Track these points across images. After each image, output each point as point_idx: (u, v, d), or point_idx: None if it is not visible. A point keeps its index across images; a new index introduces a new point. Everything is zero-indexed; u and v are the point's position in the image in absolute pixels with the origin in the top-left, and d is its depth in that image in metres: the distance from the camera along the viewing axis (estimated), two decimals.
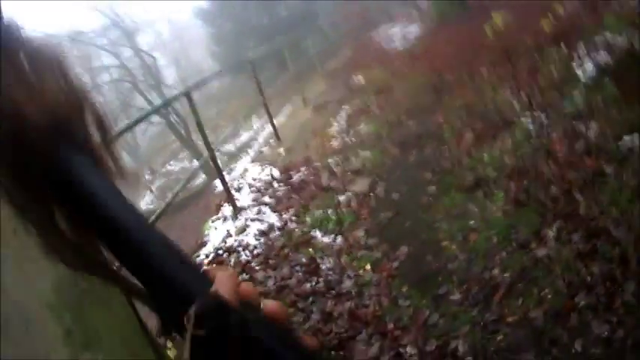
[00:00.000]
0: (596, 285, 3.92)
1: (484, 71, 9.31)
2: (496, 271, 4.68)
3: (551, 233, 4.65)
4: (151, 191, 32.99)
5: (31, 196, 0.73)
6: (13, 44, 0.75)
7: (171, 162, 36.43)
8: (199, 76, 43.49)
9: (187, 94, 8.23)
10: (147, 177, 35.40)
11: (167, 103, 8.64)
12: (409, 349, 4.32)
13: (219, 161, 26.26)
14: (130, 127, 5.99)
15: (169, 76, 41.65)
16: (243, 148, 26.12)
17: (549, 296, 4.11)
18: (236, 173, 10.90)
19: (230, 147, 31.09)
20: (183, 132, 31.12)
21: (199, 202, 23.05)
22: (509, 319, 4.12)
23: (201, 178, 28.38)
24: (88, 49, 33.54)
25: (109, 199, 0.73)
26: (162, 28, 44.79)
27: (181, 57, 50.60)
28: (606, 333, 3.56)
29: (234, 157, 26.20)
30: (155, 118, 31.74)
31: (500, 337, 4.02)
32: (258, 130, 20.79)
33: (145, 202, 30.76)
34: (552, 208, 4.97)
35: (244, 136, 29.83)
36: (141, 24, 35.63)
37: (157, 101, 26.19)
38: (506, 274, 4.57)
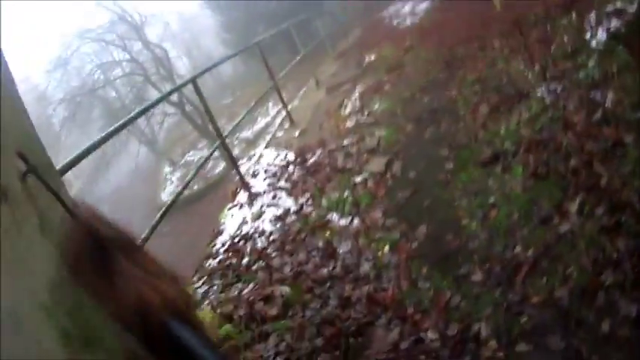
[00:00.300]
0: (622, 261, 3.74)
1: (496, 43, 9.17)
2: (518, 249, 4.50)
3: (573, 208, 4.47)
4: (171, 182, 33.09)
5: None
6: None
7: (191, 152, 36.52)
8: (211, 64, 43.97)
9: (193, 81, 8.06)
10: (167, 168, 35.52)
11: (172, 92, 8.48)
12: (430, 334, 4.16)
13: (237, 149, 26.34)
14: (133, 119, 5.82)
15: (182, 67, 41.78)
16: (260, 134, 26.12)
17: (574, 274, 3.93)
18: (254, 160, 10.76)
19: (248, 134, 31.15)
20: (200, 121, 31.14)
21: (219, 190, 23.05)
22: (534, 300, 3.95)
23: (221, 166, 28.41)
24: (99, 45, 33.64)
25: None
26: (171, 20, 44.69)
27: (192, 47, 50.75)
28: (634, 313, 3.40)
29: (252, 143, 26.23)
30: (170, 109, 31.82)
31: (524, 319, 3.85)
32: (275, 116, 20.67)
33: (167, 194, 30.86)
34: (573, 181, 4.79)
35: (261, 122, 29.85)
36: (148, 17, 35.53)
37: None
38: (529, 252, 4.39)
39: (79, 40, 32.56)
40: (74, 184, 51.58)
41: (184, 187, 6.64)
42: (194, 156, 34.81)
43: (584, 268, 3.91)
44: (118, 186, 43.75)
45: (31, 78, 40.80)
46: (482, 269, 4.53)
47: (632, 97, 5.30)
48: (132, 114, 5.51)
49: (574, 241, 4.18)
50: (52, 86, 34.24)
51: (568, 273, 3.97)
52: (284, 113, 12.75)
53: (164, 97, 7.28)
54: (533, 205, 4.87)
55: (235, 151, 28.85)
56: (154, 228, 5.25)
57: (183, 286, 2.11)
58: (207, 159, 8.16)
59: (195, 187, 29.41)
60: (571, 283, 3.88)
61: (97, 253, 1.85)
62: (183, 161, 35.86)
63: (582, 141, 5.20)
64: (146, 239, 5.00)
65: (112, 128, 4.95)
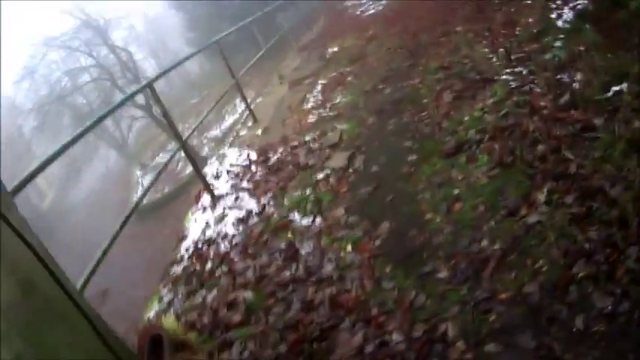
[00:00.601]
0: (595, 252, 3.59)
1: (459, 28, 9.07)
2: (485, 243, 4.33)
3: (541, 197, 4.33)
4: (143, 185, 32.84)
5: None
6: None
7: (161, 154, 36.41)
8: (180, 65, 43.87)
9: (150, 86, 7.82)
10: (138, 172, 35.34)
11: (125, 101, 8.22)
12: (395, 336, 3.98)
13: (206, 147, 26.12)
14: (87, 130, 5.58)
15: (149, 68, 41.57)
16: (229, 132, 25.92)
17: (544, 268, 3.76)
18: (218, 160, 10.57)
19: (216, 132, 30.99)
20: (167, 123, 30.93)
21: (191, 190, 22.91)
22: (502, 296, 3.77)
23: (191, 167, 28.22)
24: (65, 52, 33.47)
25: None
26: (136, 22, 44.51)
27: (158, 48, 50.64)
28: (610, 307, 3.22)
29: (220, 141, 26.04)
30: (138, 113, 31.63)
31: (493, 317, 3.67)
32: (242, 113, 20.51)
33: (137, 198, 30.63)
34: (541, 168, 4.65)
35: (229, 120, 29.71)
36: (113, 20, 35.35)
37: (138, 96, 25.99)
38: (496, 246, 4.22)
39: (45, 47, 32.33)
40: (48, 192, 51.34)
41: (143, 195, 6.40)
42: (164, 158, 34.59)
43: (555, 260, 3.75)
44: (90, 191, 43.56)
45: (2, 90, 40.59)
46: (448, 265, 4.36)
47: (601, 77, 5.19)
48: (78, 131, 5.23)
49: (543, 232, 4.03)
50: (21, 96, 34.07)
51: (538, 267, 3.81)
52: (247, 111, 12.54)
53: (112, 111, 7.03)
54: (500, 195, 4.71)
55: (205, 151, 28.73)
56: (114, 238, 5.02)
57: None
58: (166, 165, 7.89)
59: (166, 190, 29.26)
60: (541, 278, 3.71)
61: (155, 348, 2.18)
62: (153, 164, 35.74)
63: (549, 126, 5.07)
64: (106, 250, 4.78)
65: (58, 147, 4.68)
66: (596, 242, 3.66)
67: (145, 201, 26.86)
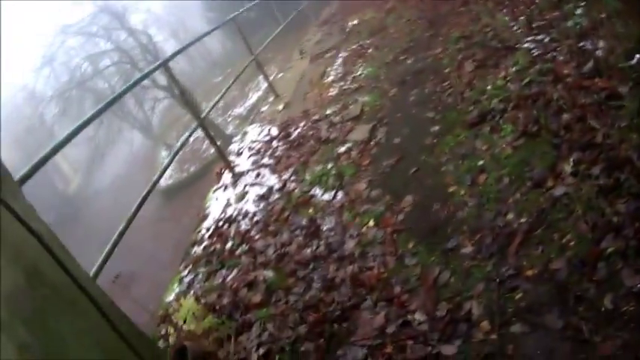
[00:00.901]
0: (624, 226, 3.40)
1: None
2: (511, 216, 4.16)
3: (567, 168, 4.13)
4: (170, 165, 33.01)
5: None
6: None
7: (186, 134, 36.32)
8: (201, 45, 43.95)
9: (165, 65, 7.70)
10: (163, 153, 35.39)
11: (141, 79, 8.09)
12: (418, 316, 3.84)
13: (230, 126, 26.12)
14: (101, 112, 5.48)
15: (170, 49, 41.32)
16: (253, 110, 25.85)
17: (572, 243, 3.58)
18: (243, 136, 10.48)
19: (240, 110, 30.94)
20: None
21: (216, 169, 22.91)
22: (529, 273, 3.60)
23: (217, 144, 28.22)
24: (83, 38, 33.42)
25: None
26: (155, 4, 44.33)
27: (179, 29, 50.47)
28: (639, 285, 3.04)
29: (245, 119, 25.97)
30: (161, 94, 31.61)
31: (519, 295, 3.50)
32: (267, 90, 20.46)
33: (165, 178, 30.71)
34: (566, 138, 4.45)
35: (253, 98, 29.64)
36: (130, 4, 35.16)
37: (160, 77, 25.94)
38: (522, 220, 4.04)
39: (62, 35, 32.27)
40: (73, 178, 51.67)
41: (159, 178, 6.28)
42: (189, 138, 34.69)
43: (583, 235, 3.57)
44: (116, 175, 43.72)
45: (19, 78, 40.66)
46: (473, 240, 4.20)
47: (624, 44, 4.96)
48: (84, 118, 5.10)
49: (570, 205, 3.85)
50: (42, 84, 34.06)
51: (565, 241, 3.63)
52: (268, 87, 12.45)
53: (131, 87, 6.95)
54: (525, 166, 4.53)
55: (229, 129, 28.68)
56: (129, 222, 4.91)
57: None
58: (182, 145, 7.77)
59: (192, 169, 29.29)
60: (569, 253, 3.53)
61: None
62: (179, 144, 35.72)
63: (574, 94, 4.86)
64: (122, 232, 4.67)
65: (64, 136, 4.56)
66: (624, 215, 3.48)
67: (171, 182, 26.90)
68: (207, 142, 26.23)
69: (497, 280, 3.70)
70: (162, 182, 29.79)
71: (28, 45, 40.43)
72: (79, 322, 2.65)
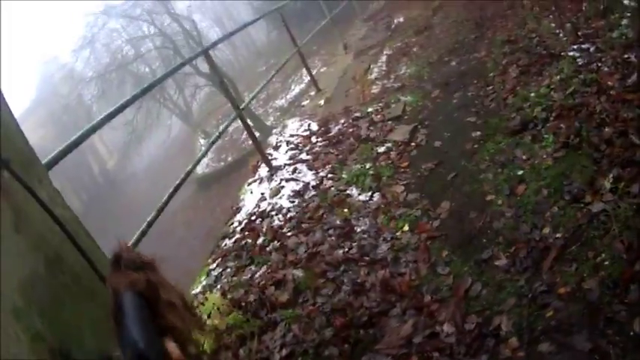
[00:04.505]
0: None
1: (526, 2, 8.91)
2: (547, 230, 4.10)
3: (607, 184, 4.05)
4: (206, 154, 33.08)
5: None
6: None
7: (225, 123, 36.41)
8: (245, 34, 44.03)
9: (205, 53, 7.68)
10: (201, 140, 35.51)
11: (181, 66, 8.09)
12: (446, 327, 3.79)
13: (271, 117, 26.12)
14: (137, 97, 5.46)
15: (214, 36, 41.50)
16: (294, 102, 25.85)
17: (606, 262, 3.51)
18: (283, 129, 10.46)
19: (282, 102, 30.93)
20: (232, 92, 30.96)
21: (254, 160, 22.96)
22: (561, 291, 3.53)
23: (256, 135, 28.24)
24: (126, 21, 33.55)
25: None
26: None
27: (224, 17, 50.58)
28: None
29: (286, 111, 25.98)
30: (202, 81, 31.66)
31: (549, 313, 3.44)
32: (309, 84, 20.45)
33: (202, 166, 30.88)
34: (607, 152, 4.37)
35: (296, 90, 29.61)
36: None
37: (202, 64, 25.96)
38: (558, 235, 3.98)
39: (104, 16, 32.44)
40: (109, 160, 52.12)
41: (194, 166, 6.22)
42: (228, 127, 34.77)
43: (618, 254, 3.49)
44: (152, 159, 44.02)
45: (59, 58, 41.01)
46: (507, 253, 4.14)
47: None
48: (119, 104, 5.07)
49: (607, 223, 3.77)
50: (81, 64, 34.30)
51: (599, 260, 3.57)
52: (311, 80, 12.41)
53: (171, 73, 6.94)
54: (564, 179, 4.45)
55: (270, 120, 28.68)
56: (160, 210, 4.87)
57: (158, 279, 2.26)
58: (220, 134, 7.78)
59: (230, 159, 29.33)
60: (602, 273, 3.47)
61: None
62: (217, 132, 35.83)
63: (617, 107, 4.78)
64: (151, 223, 4.62)
65: (95, 121, 4.52)
66: None
67: (207, 170, 26.96)
68: (245, 133, 26.33)
69: (530, 295, 3.64)
70: (199, 170, 29.92)
71: (71, 24, 40.74)
72: (97, 312, 2.63)
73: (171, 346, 1.73)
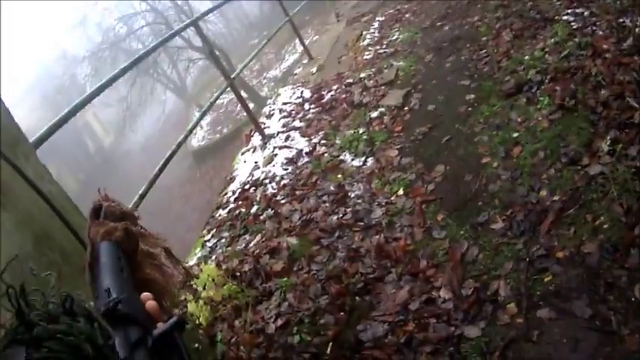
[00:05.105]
0: None
1: None
2: (544, 193, 4.06)
3: (604, 146, 4.00)
4: (201, 127, 32.92)
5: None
6: None
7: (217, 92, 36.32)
8: (238, 7, 43.77)
9: (195, 23, 7.59)
10: (196, 114, 35.44)
11: (170, 38, 8.03)
12: (443, 293, 3.74)
13: (265, 88, 26.00)
14: (125, 71, 5.38)
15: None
16: (288, 72, 25.74)
17: (605, 225, 3.48)
18: (276, 98, 10.38)
19: (276, 72, 30.79)
20: (225, 64, 30.82)
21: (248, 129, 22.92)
22: (559, 255, 3.49)
23: (250, 106, 28.16)
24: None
25: None
26: None
27: None
28: None
29: (280, 81, 25.87)
30: (196, 55, 31.53)
31: (548, 278, 3.41)
32: (303, 53, 20.36)
33: (197, 139, 30.83)
34: (604, 115, 4.33)
35: (289, 60, 29.47)
36: None
37: (195, 39, 25.82)
38: (556, 197, 3.94)
39: None
40: (105, 139, 51.98)
41: (185, 137, 6.13)
42: (223, 99, 34.61)
43: (617, 218, 3.46)
44: (148, 135, 43.88)
45: (52, 40, 40.83)
46: (504, 216, 4.10)
47: None
48: (105, 79, 4.98)
49: (605, 185, 3.74)
50: (73, 44, 34.25)
51: (598, 223, 3.53)
52: (303, 49, 12.33)
53: (156, 46, 6.87)
54: (561, 141, 4.41)
55: (264, 91, 28.57)
56: (151, 183, 4.79)
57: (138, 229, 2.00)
58: (213, 102, 7.67)
59: (225, 131, 29.23)
60: (601, 236, 3.43)
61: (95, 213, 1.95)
62: (208, 104, 35.74)
63: (613, 70, 4.73)
64: (143, 195, 4.55)
65: (82, 97, 4.42)
66: None
67: (203, 143, 26.84)
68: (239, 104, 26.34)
69: (527, 259, 3.59)
70: (195, 143, 29.85)
71: (61, 5, 40.56)
72: (86, 289, 2.57)
73: (146, 297, 1.64)
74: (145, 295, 1.62)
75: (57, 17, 38.83)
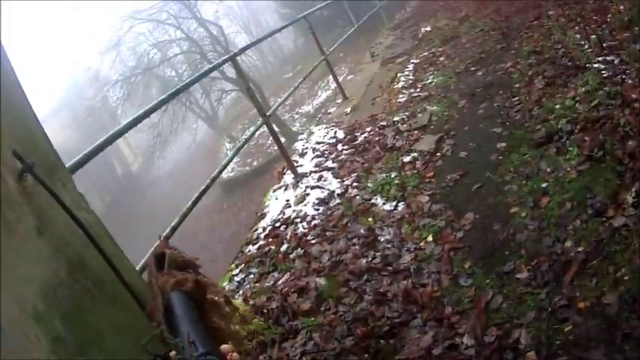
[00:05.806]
0: None
1: (551, 13, 8.96)
2: (569, 244, 4.10)
3: (629, 198, 4.03)
4: (231, 160, 33.18)
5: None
6: None
7: (251, 128, 36.46)
8: (273, 41, 44.13)
9: (232, 59, 7.73)
10: (227, 144, 35.57)
11: (208, 72, 8.18)
12: (466, 339, 3.80)
13: (297, 123, 26.16)
14: (164, 102, 5.52)
15: (241, 42, 41.73)
16: (320, 108, 25.88)
17: (626, 277, 3.51)
18: (309, 136, 10.47)
19: (308, 108, 30.95)
20: (259, 98, 31.02)
21: (280, 165, 22.99)
22: (581, 305, 3.54)
23: (282, 140, 28.23)
24: (153, 25, 33.72)
25: None
26: None
27: (251, 23, 50.78)
28: None
29: (312, 117, 25.99)
30: (229, 86, 31.75)
31: (568, 328, 3.45)
32: (336, 91, 20.52)
33: (227, 171, 30.96)
34: (630, 166, 4.36)
35: (322, 97, 29.63)
36: None
37: (228, 69, 26.05)
38: (580, 248, 3.98)
39: (131, 20, 32.61)
40: (133, 164, 52.36)
41: (220, 172, 6.25)
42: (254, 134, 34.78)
43: (637, 270, 3.49)
44: (176, 163, 44.14)
45: (85, 61, 41.33)
46: (529, 266, 4.15)
47: None
48: (146, 108, 5.11)
49: (628, 237, 3.76)
50: (107, 67, 34.57)
51: (619, 275, 3.57)
52: (337, 88, 12.46)
53: (199, 78, 7.01)
54: (587, 193, 4.45)
55: (296, 126, 28.71)
56: (184, 216, 4.89)
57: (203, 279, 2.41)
58: (247, 140, 7.82)
59: (255, 164, 29.38)
60: (621, 288, 3.47)
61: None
62: (243, 137, 35.85)
63: None
64: (175, 227, 4.65)
65: (119, 127, 4.55)
66: None
67: (233, 174, 26.98)
68: (271, 138, 26.57)
69: (549, 309, 3.64)
70: (224, 174, 30.00)
71: (97, 27, 41.01)
72: (119, 317, 2.65)
73: (226, 349, 1.73)
74: (225, 347, 1.72)
75: (91, 39, 39.33)
